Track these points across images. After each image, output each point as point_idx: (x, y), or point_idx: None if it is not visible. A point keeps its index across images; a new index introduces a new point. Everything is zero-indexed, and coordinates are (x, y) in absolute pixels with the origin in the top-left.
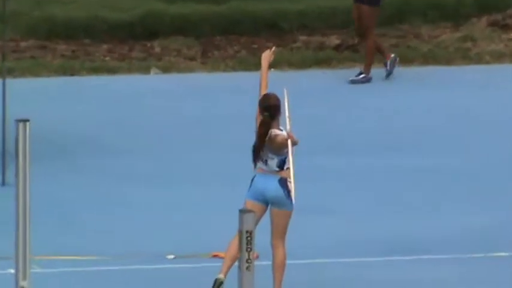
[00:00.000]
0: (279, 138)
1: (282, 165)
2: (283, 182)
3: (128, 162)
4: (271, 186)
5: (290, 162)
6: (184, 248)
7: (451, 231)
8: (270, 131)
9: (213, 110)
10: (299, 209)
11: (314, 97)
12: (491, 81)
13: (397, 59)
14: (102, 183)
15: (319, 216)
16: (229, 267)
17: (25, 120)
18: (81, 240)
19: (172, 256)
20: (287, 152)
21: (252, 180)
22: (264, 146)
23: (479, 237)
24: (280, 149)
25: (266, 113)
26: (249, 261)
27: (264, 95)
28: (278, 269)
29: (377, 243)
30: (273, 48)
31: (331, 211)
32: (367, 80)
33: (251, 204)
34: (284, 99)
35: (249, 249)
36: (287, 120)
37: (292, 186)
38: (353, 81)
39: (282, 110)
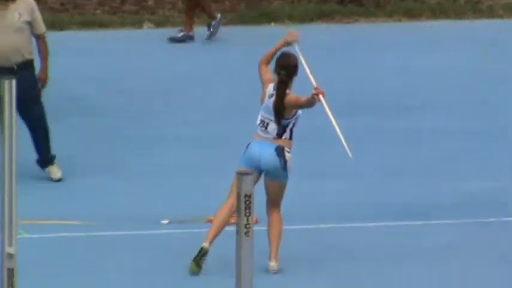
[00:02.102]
0: (292, 97)
1: (281, 132)
2: (280, 151)
3: (119, 123)
4: (267, 154)
5: (330, 116)
6: (179, 212)
7: (468, 195)
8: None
9: (210, 67)
10: (310, 173)
11: (317, 54)
12: (505, 36)
13: (222, 20)
14: (92, 145)
15: (331, 180)
16: (215, 235)
17: (11, 78)
18: (71, 204)
19: (166, 221)
20: (294, 118)
21: (247, 146)
22: (284, 106)
23: (497, 202)
24: (291, 109)
25: (283, 72)
26: (248, 226)
27: (283, 53)
28: (274, 235)
29: (390, 208)
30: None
31: (342, 175)
32: (189, 37)
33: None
34: (299, 57)
35: (247, 214)
36: (310, 76)
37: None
38: (172, 39)
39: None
